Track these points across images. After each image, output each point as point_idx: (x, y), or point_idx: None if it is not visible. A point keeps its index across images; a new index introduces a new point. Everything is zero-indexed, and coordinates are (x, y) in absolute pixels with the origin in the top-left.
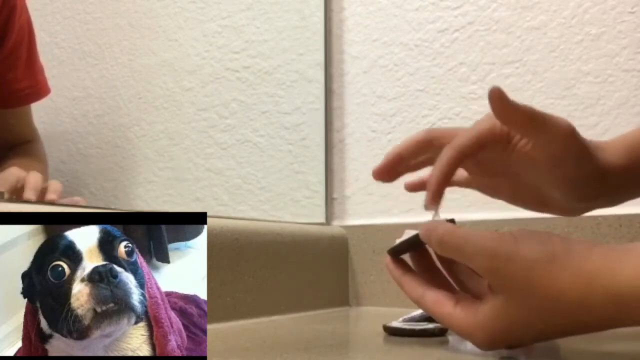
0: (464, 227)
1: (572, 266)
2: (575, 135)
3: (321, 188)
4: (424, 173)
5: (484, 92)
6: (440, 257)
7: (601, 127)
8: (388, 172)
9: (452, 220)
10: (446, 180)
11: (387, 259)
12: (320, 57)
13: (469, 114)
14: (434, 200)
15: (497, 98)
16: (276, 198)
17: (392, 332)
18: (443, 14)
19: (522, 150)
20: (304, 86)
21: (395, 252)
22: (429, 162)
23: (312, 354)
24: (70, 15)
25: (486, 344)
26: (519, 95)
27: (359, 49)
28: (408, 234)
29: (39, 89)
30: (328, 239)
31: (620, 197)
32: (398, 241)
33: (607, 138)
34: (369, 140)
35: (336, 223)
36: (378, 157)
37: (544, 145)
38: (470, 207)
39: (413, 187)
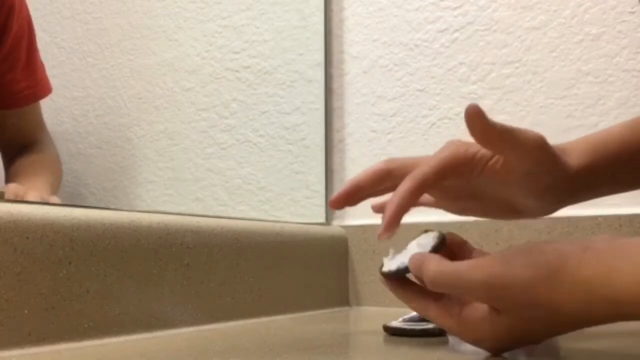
0: (453, 263)
1: (569, 277)
2: (546, 146)
3: (321, 188)
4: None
5: (484, 92)
6: None
7: (601, 127)
8: (344, 201)
9: (442, 239)
10: (403, 211)
11: (381, 278)
12: (320, 57)
13: None
14: (388, 231)
15: (476, 117)
16: (276, 198)
17: (392, 332)
18: (443, 14)
19: (491, 170)
20: (304, 86)
21: (388, 276)
22: (392, 189)
23: (312, 354)
24: (70, 15)
25: (493, 350)
26: (519, 95)
27: (359, 49)
28: (392, 255)
29: (38, 90)
30: (328, 239)
31: (587, 196)
32: (386, 261)
33: None
34: (369, 140)
35: (336, 223)
36: (378, 157)
37: (516, 162)
38: None
39: (378, 209)
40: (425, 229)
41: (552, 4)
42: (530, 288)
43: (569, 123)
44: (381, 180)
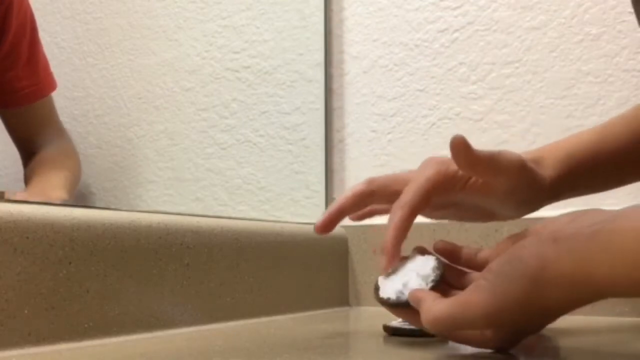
0: (446, 306)
1: (552, 276)
2: (526, 167)
3: (321, 188)
4: None
5: (484, 92)
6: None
7: None
8: (329, 225)
9: (441, 273)
10: (401, 240)
11: (377, 300)
12: (320, 57)
13: (469, 114)
14: (392, 263)
15: (461, 147)
16: (276, 198)
17: (392, 332)
18: (443, 14)
19: (471, 187)
20: (304, 86)
21: (387, 305)
22: (374, 213)
23: (312, 354)
24: (70, 15)
25: (496, 349)
26: (519, 95)
27: (359, 49)
28: (386, 275)
29: (40, 88)
30: (328, 239)
31: (562, 199)
32: (381, 281)
33: None
34: (369, 140)
35: None
36: (378, 157)
37: (497, 183)
38: None
39: (358, 218)
40: (419, 247)
41: (552, 4)
42: (524, 300)
43: (569, 123)
44: (363, 202)
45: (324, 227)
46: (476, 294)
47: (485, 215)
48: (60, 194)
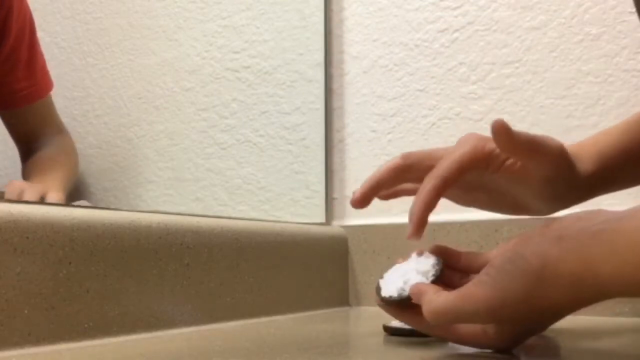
0: (447, 298)
1: (554, 274)
2: (566, 154)
3: (321, 188)
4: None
5: (484, 92)
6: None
7: (601, 127)
8: (367, 199)
9: (441, 270)
10: (429, 210)
11: (380, 302)
12: (320, 57)
13: (469, 114)
14: (417, 232)
15: (503, 131)
16: (276, 198)
17: (392, 332)
18: (443, 14)
19: (508, 169)
20: (304, 86)
21: (389, 302)
22: (409, 192)
23: (312, 354)
24: (70, 15)
25: (498, 350)
26: (519, 95)
27: (359, 49)
28: (388, 276)
29: (37, 89)
30: (328, 239)
31: (590, 198)
32: (382, 283)
33: None
34: (369, 140)
35: (336, 223)
36: (378, 157)
37: (536, 167)
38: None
39: (387, 196)
40: (419, 250)
41: (552, 4)
42: (525, 297)
43: (569, 123)
44: (400, 176)
45: (360, 201)
46: (478, 288)
47: (515, 205)
48: (55, 195)
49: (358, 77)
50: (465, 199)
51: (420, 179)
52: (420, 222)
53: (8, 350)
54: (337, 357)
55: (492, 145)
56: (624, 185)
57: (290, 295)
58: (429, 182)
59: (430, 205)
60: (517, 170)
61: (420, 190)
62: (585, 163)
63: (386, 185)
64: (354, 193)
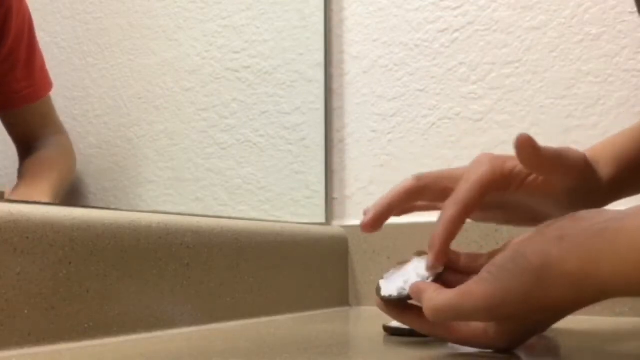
0: (446, 296)
1: (555, 274)
2: (590, 165)
3: (321, 188)
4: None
5: (484, 92)
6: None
7: (601, 127)
8: (377, 223)
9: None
10: (451, 239)
11: (380, 303)
12: (320, 57)
13: (469, 114)
14: (439, 261)
15: (529, 146)
16: (276, 198)
17: (392, 332)
18: (443, 14)
19: (531, 185)
20: (304, 86)
21: (389, 302)
22: (423, 208)
23: (312, 354)
24: (70, 15)
25: (499, 350)
26: (519, 95)
27: (359, 49)
28: (388, 277)
29: (36, 89)
30: (328, 239)
31: (606, 203)
32: (382, 284)
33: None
34: (369, 140)
35: (336, 223)
36: (378, 157)
37: (561, 180)
38: None
39: (399, 213)
40: (419, 251)
41: (552, 4)
42: (526, 296)
43: (568, 123)
44: (412, 199)
45: (372, 225)
46: (478, 285)
47: (534, 217)
48: (43, 199)
49: (358, 77)
50: (483, 217)
51: (434, 200)
52: (442, 252)
53: (8, 350)
54: (337, 357)
55: (510, 164)
56: None
57: (290, 295)
58: (450, 209)
59: (452, 234)
60: (538, 185)
61: (441, 217)
62: (604, 166)
63: (398, 207)
64: (364, 213)
